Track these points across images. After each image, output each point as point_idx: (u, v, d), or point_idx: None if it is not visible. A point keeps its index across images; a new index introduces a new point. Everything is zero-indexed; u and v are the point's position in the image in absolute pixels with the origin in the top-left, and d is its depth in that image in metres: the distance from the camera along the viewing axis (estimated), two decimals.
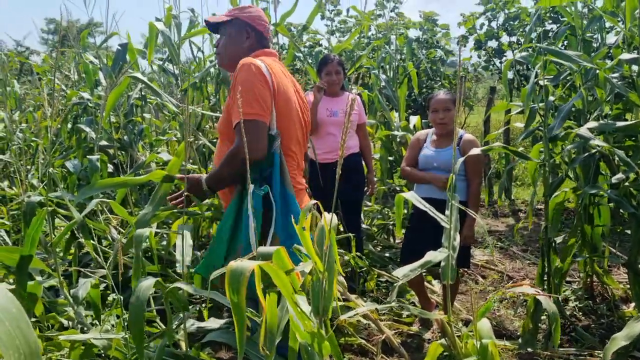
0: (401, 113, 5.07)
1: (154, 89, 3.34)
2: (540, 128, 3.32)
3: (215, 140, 4.49)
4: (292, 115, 2.18)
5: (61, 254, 3.55)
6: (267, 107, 2.04)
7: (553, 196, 3.28)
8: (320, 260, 1.18)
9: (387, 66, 5.30)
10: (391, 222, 5.00)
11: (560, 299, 3.40)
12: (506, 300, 3.93)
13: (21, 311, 0.64)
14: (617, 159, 3.11)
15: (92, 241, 2.81)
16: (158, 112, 5.83)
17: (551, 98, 3.30)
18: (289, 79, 2.26)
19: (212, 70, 4.81)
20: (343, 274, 3.36)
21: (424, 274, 3.85)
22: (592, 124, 3.00)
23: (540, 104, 3.29)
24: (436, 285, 4.08)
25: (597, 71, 3.09)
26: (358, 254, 3.69)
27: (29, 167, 4.74)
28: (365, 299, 3.75)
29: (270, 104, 2.06)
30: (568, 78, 3.47)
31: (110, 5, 4.80)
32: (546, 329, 3.31)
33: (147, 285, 1.47)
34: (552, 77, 3.37)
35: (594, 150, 3.16)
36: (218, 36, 2.38)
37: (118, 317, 2.71)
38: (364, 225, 4.66)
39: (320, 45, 8.12)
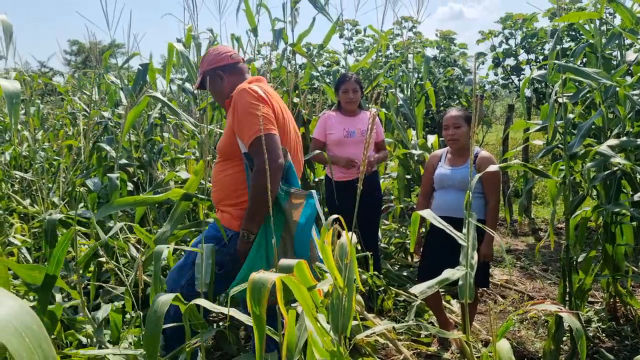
0: (419, 131, 5.07)
1: (173, 108, 3.39)
2: (559, 146, 3.29)
3: None
4: (290, 133, 2.42)
5: (80, 271, 3.58)
6: (274, 122, 2.26)
7: (574, 215, 3.23)
8: (341, 276, 1.18)
9: (405, 85, 5.31)
10: (409, 241, 4.96)
11: (582, 319, 3.33)
12: (527, 321, 3.87)
13: (42, 329, 0.65)
14: (639, 176, 3.07)
15: (113, 262, 2.83)
16: (177, 131, 5.90)
17: (570, 115, 3.28)
18: (282, 101, 2.52)
19: None
20: (363, 289, 3.34)
21: (442, 293, 3.82)
22: (612, 141, 2.97)
23: (560, 122, 3.27)
24: (455, 305, 4.03)
25: (617, 88, 3.06)
26: (376, 272, 3.67)
27: (50, 185, 4.81)
28: (383, 318, 3.71)
29: (275, 120, 2.28)
30: (587, 95, 3.44)
31: (132, 26, 4.92)
32: (568, 351, 3.24)
33: (164, 300, 1.47)
34: (571, 94, 3.35)
35: (615, 168, 3.13)
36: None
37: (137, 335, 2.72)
38: (381, 244, 4.64)
39: (338, 64, 8.19)
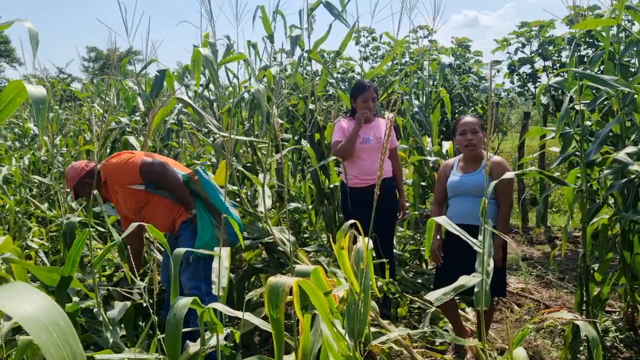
0: (434, 138, 5.06)
1: (198, 110, 3.50)
2: (576, 153, 3.27)
3: (248, 164, 4.55)
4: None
5: (97, 274, 3.62)
6: (136, 154, 3.24)
7: (591, 223, 3.21)
8: (357, 282, 1.19)
9: (420, 92, 5.30)
10: (423, 248, 4.94)
11: (599, 328, 3.30)
12: (543, 330, 3.83)
13: (69, 325, 0.66)
14: None
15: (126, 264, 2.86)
16: (193, 137, 5.94)
17: (587, 123, 3.25)
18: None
19: (245, 95, 4.90)
20: (379, 295, 3.33)
21: (457, 300, 3.79)
22: (630, 148, 2.95)
23: (577, 129, 3.25)
24: (470, 313, 4.00)
25: (635, 96, 3.04)
26: (390, 279, 3.66)
27: (68, 189, 4.87)
28: (397, 325, 3.69)
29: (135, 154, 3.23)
30: (605, 103, 3.42)
31: (148, 33, 4.99)
32: None
33: (183, 303, 1.48)
34: (588, 102, 3.33)
35: (633, 176, 3.09)
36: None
37: (151, 337, 2.74)
38: (396, 251, 4.62)
39: (353, 71, 8.20)
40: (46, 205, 4.93)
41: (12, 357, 2.21)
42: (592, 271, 3.22)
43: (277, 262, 3.48)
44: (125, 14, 4.12)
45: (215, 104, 4.68)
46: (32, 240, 4.07)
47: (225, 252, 1.79)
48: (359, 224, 1.31)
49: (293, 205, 4.21)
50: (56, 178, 4.92)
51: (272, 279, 1.10)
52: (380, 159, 1.18)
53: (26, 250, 3.87)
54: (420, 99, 5.27)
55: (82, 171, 3.17)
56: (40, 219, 4.81)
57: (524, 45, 7.29)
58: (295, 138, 4.79)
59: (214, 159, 4.75)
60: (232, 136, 3.78)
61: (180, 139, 5.26)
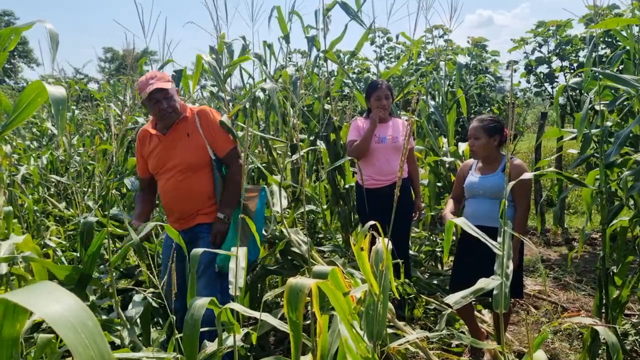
0: (450, 139, 5.03)
1: None
2: (596, 154, 3.22)
3: (264, 165, 4.55)
4: None
5: (113, 274, 3.64)
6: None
7: (610, 224, 3.16)
8: (376, 283, 1.18)
9: (436, 92, 5.27)
10: (439, 249, 4.92)
11: (619, 332, 3.25)
12: (561, 333, 3.79)
13: (96, 324, 0.67)
14: None
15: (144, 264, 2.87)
16: None
17: (607, 124, 3.21)
18: None
19: (261, 96, 4.90)
20: (397, 296, 3.32)
21: (473, 302, 3.77)
22: None
23: (595, 130, 3.21)
24: (486, 315, 3.97)
25: None
26: (406, 280, 3.64)
27: (85, 189, 4.91)
28: (413, 326, 3.68)
29: None
30: (625, 103, 3.37)
31: (163, 34, 5.01)
32: None
33: (201, 303, 1.49)
34: (608, 102, 3.28)
35: None
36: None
37: (169, 336, 2.75)
38: (411, 252, 4.60)
39: (369, 71, 8.18)
40: (64, 204, 4.98)
41: (30, 355, 2.23)
42: (611, 274, 3.18)
43: (291, 264, 3.48)
44: (142, 14, 4.14)
45: (231, 104, 4.69)
46: (50, 239, 4.10)
47: (242, 253, 1.79)
48: (379, 226, 1.30)
49: (309, 207, 4.20)
50: (73, 177, 4.96)
51: (292, 280, 1.09)
52: (400, 159, 1.17)
53: (44, 249, 3.90)
54: (437, 100, 5.24)
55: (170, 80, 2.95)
56: (58, 218, 4.85)
57: (541, 45, 7.24)
58: (311, 138, 4.78)
59: None
60: (249, 132, 3.79)
61: None
